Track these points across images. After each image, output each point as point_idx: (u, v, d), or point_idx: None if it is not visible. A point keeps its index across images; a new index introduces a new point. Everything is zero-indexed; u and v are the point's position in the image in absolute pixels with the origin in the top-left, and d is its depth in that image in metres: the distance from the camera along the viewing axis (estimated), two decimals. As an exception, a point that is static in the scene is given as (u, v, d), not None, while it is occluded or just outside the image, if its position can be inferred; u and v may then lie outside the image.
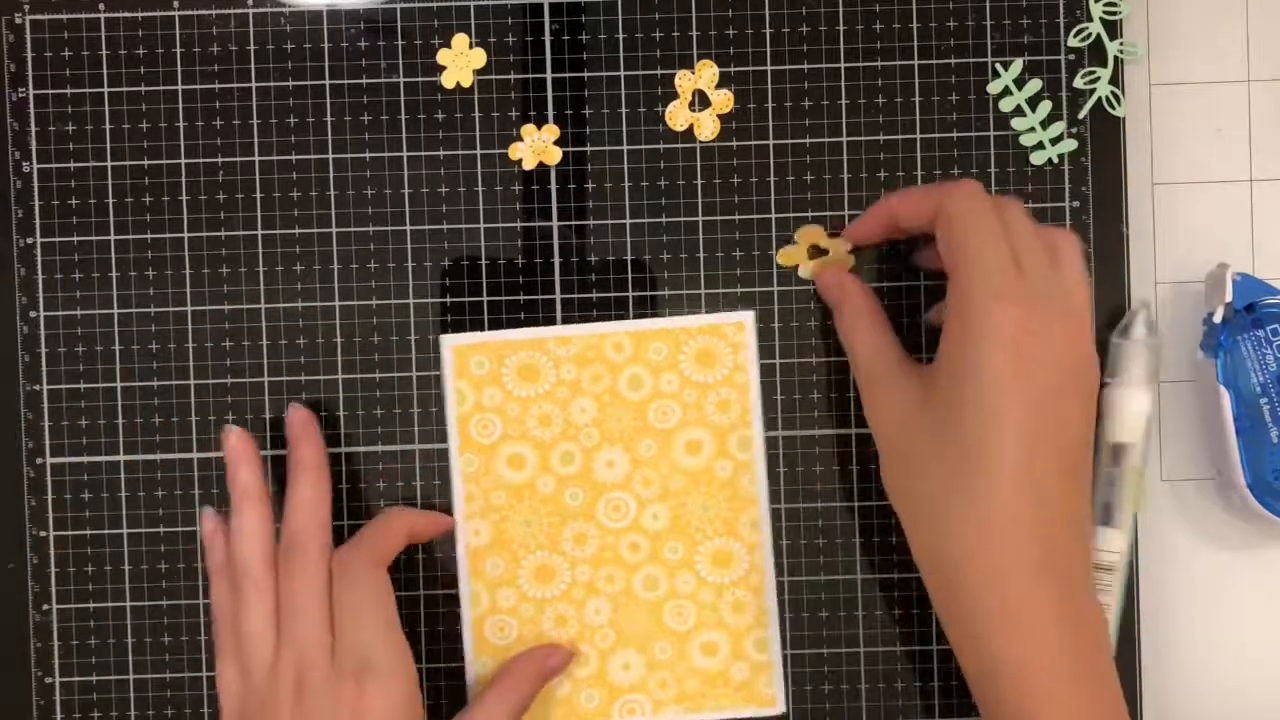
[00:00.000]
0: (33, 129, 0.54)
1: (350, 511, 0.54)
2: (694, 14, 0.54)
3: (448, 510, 0.54)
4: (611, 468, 0.54)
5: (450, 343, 0.54)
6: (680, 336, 0.54)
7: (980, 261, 0.46)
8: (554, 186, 0.54)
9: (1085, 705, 0.45)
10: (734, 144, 0.54)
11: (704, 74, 0.54)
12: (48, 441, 0.54)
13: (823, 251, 0.54)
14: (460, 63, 0.54)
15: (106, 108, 0.54)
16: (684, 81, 0.54)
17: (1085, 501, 0.47)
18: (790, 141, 0.54)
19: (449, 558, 0.54)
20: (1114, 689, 0.46)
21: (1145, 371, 0.52)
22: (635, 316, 0.54)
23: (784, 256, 0.54)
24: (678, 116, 0.54)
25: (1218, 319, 0.53)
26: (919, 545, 0.48)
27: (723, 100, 0.54)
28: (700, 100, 0.54)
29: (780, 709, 0.54)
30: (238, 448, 0.51)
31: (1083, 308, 0.47)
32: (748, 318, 0.54)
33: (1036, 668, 0.45)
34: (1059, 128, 0.54)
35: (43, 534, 0.54)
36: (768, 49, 0.54)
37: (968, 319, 0.45)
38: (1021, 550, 0.45)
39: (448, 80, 0.54)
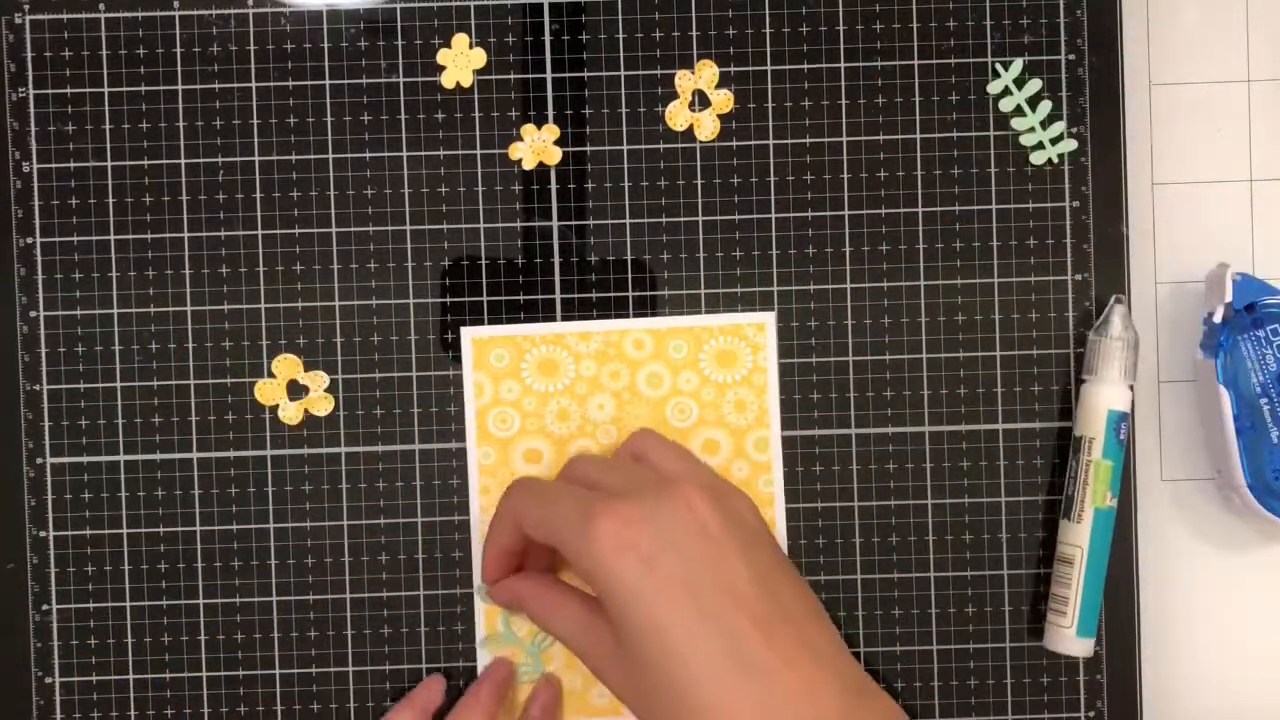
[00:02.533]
0: (33, 129, 0.54)
1: (349, 512, 0.54)
2: (694, 14, 0.54)
3: (462, 506, 0.54)
4: None
5: (470, 334, 0.54)
6: (701, 335, 0.54)
7: (557, 516, 0.45)
8: (554, 186, 0.54)
9: None
10: (734, 144, 0.54)
11: (704, 74, 0.54)
12: (48, 441, 0.54)
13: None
14: (460, 63, 0.54)
15: (106, 108, 0.54)
16: (684, 81, 0.54)
17: (809, 622, 0.45)
18: (790, 141, 0.54)
19: (465, 554, 0.54)
20: None
21: (1119, 367, 0.52)
22: (635, 316, 0.54)
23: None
24: (678, 116, 0.54)
25: (1218, 319, 0.53)
26: None
27: (723, 100, 0.54)
28: (700, 100, 0.54)
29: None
30: (428, 696, 0.52)
31: (678, 467, 0.48)
32: (769, 318, 0.54)
33: None
34: (1059, 128, 0.54)
35: (43, 534, 0.54)
36: (768, 49, 0.54)
37: (578, 561, 0.44)
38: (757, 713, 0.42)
39: (448, 80, 0.54)
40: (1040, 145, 0.54)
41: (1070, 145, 0.54)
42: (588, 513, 0.44)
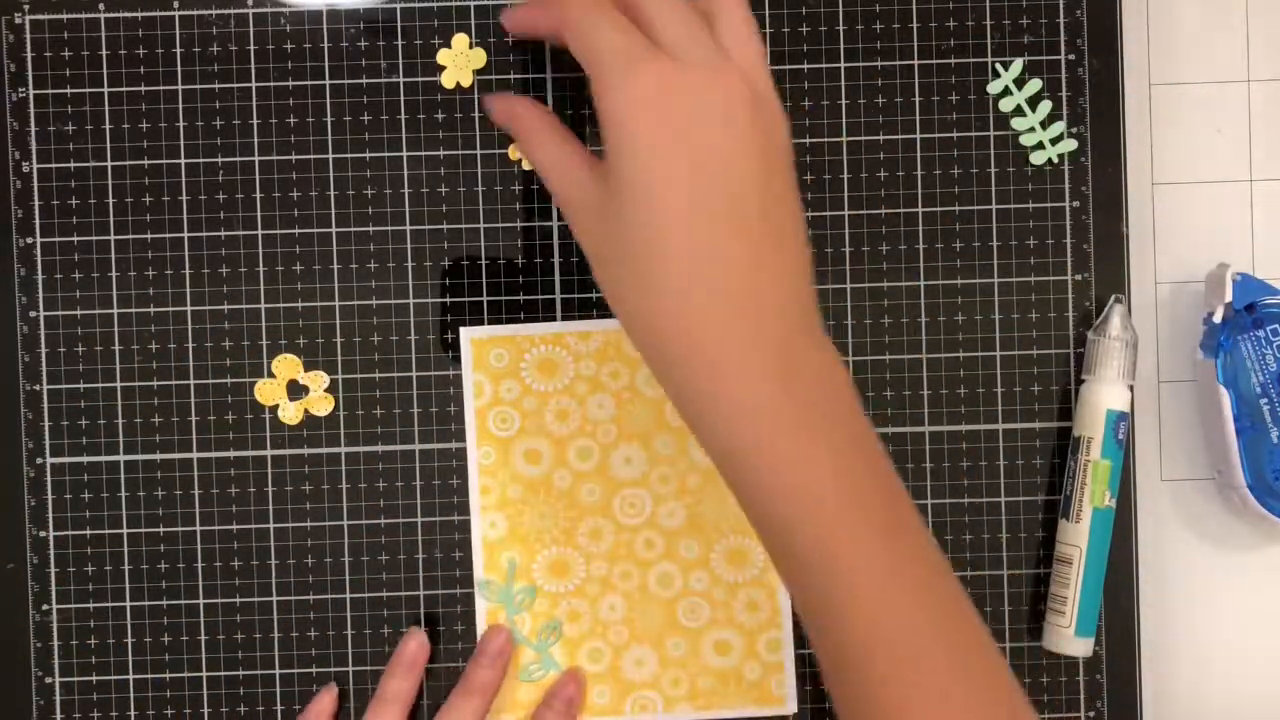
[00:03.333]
0: (33, 129, 0.54)
1: (349, 512, 0.54)
2: (694, 14, 0.54)
3: (462, 506, 0.54)
4: (629, 464, 0.54)
5: (469, 335, 0.54)
6: None
7: (601, 42, 0.43)
8: (554, 186, 0.54)
9: (826, 445, 0.42)
10: (734, 144, 0.54)
11: None
12: (48, 441, 0.54)
13: None
14: (460, 63, 0.54)
15: (106, 108, 0.54)
16: None
17: (790, 257, 0.44)
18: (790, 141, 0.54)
19: (465, 554, 0.54)
20: (859, 428, 0.43)
21: (1118, 367, 0.52)
22: (635, 316, 0.54)
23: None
24: None
25: (1218, 319, 0.53)
26: (633, 338, 0.44)
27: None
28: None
29: (791, 709, 0.54)
30: (413, 654, 0.53)
31: (741, 59, 0.44)
32: None
33: (758, 435, 0.41)
34: (1059, 128, 0.54)
35: (43, 534, 0.54)
36: (768, 49, 0.54)
37: (600, 102, 0.42)
38: (712, 319, 0.41)
39: (447, 80, 0.54)
40: (1040, 145, 0.54)
41: (1070, 145, 0.54)
42: (634, 58, 0.42)
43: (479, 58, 0.54)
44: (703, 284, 0.42)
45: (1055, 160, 0.54)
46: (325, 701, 0.53)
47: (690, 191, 0.42)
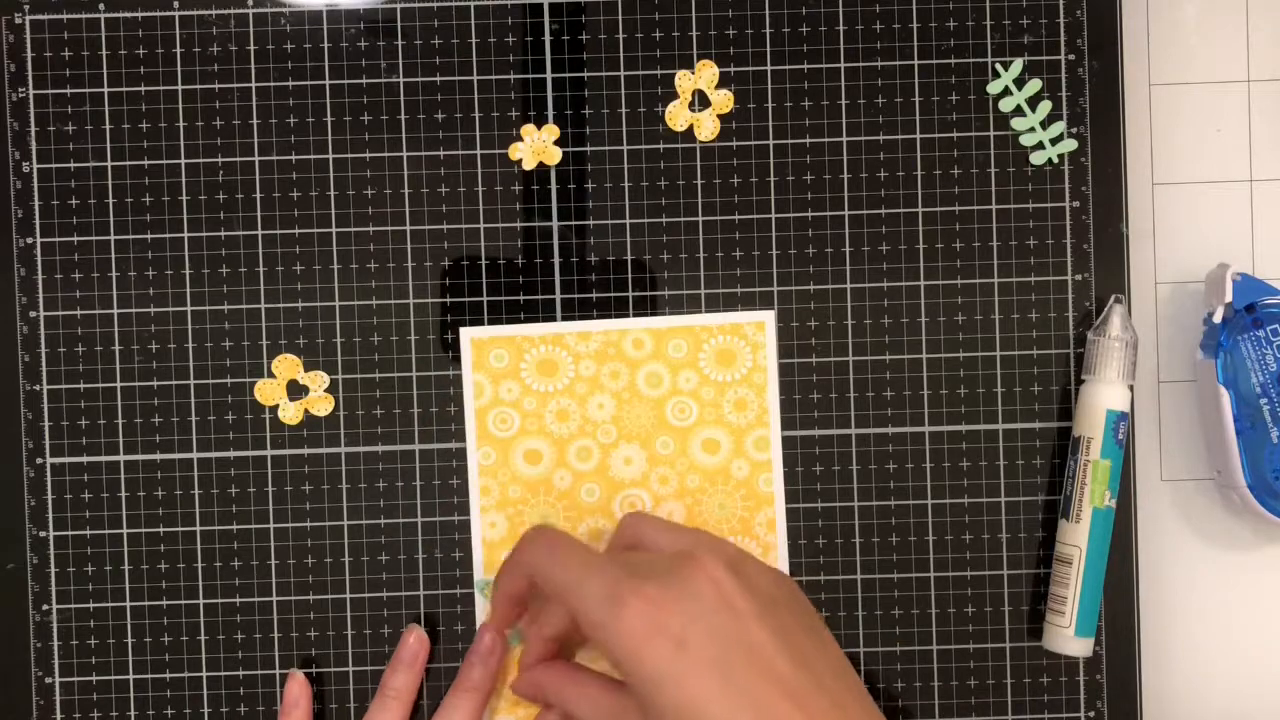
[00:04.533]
0: (33, 129, 0.54)
1: (349, 512, 0.54)
2: (694, 14, 0.54)
3: (462, 506, 0.54)
4: (629, 465, 0.54)
5: (469, 335, 0.54)
6: (700, 334, 0.54)
7: (576, 586, 0.45)
8: (554, 186, 0.54)
9: None
10: (734, 144, 0.54)
11: (704, 74, 0.54)
12: (48, 441, 0.54)
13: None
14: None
15: (106, 108, 0.54)
16: (684, 81, 0.54)
17: (829, 692, 0.44)
18: (790, 141, 0.54)
19: (465, 554, 0.54)
20: None
21: (1118, 367, 0.52)
22: (635, 316, 0.54)
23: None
24: (678, 116, 0.54)
25: (1218, 319, 0.53)
26: None
27: (723, 100, 0.54)
28: (700, 100, 0.54)
29: None
30: (414, 650, 0.53)
31: (679, 542, 0.47)
32: (768, 317, 0.54)
33: None
34: (1059, 128, 0.54)
35: (43, 534, 0.54)
36: (768, 49, 0.54)
37: (605, 645, 0.44)
38: None
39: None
40: (1040, 145, 0.54)
41: (1070, 145, 0.54)
42: (615, 594, 0.43)
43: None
44: None
45: (1055, 160, 0.54)
46: (293, 689, 0.53)
47: (727, 680, 0.42)
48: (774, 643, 0.43)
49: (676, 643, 0.43)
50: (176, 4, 0.54)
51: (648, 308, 0.54)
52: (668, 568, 0.44)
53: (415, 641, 0.53)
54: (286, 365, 0.54)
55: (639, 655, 0.43)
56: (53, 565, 0.54)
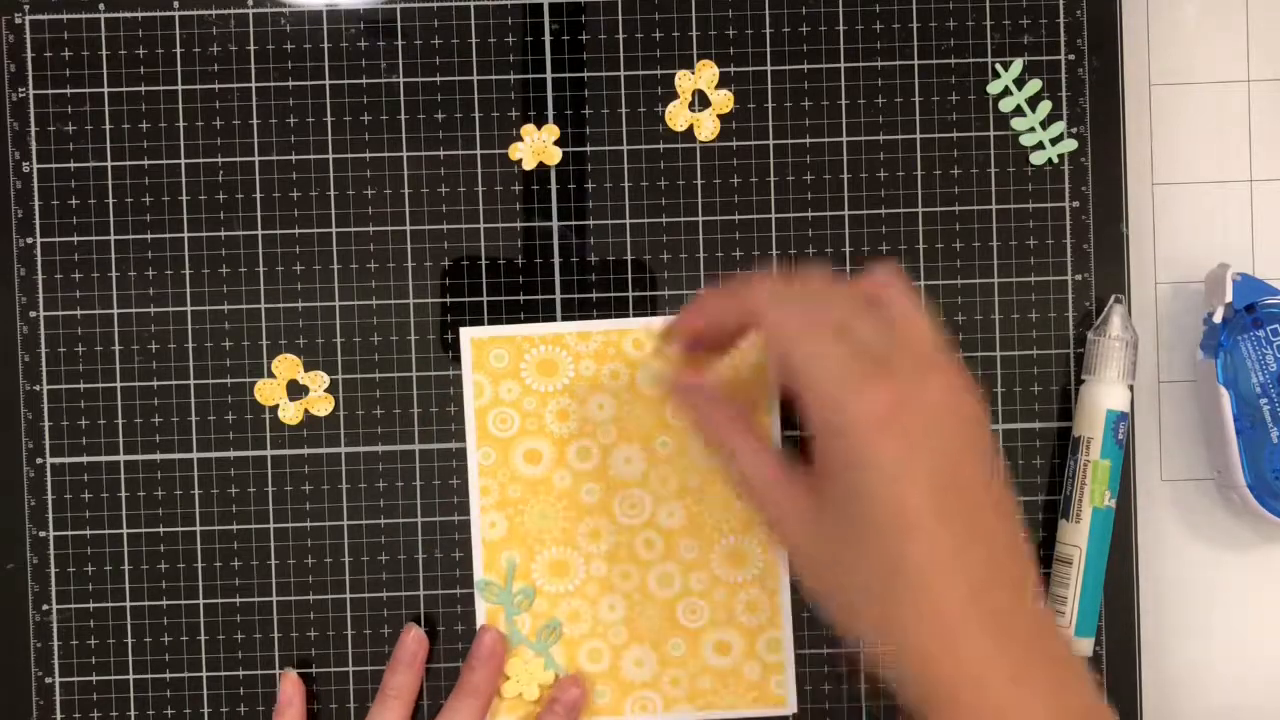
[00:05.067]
0: (33, 129, 0.54)
1: (349, 512, 0.54)
2: (694, 14, 0.54)
3: (462, 506, 0.54)
4: (629, 464, 0.54)
5: (469, 335, 0.54)
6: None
7: (816, 368, 0.43)
8: (554, 186, 0.54)
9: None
10: (734, 144, 0.54)
11: (704, 74, 0.54)
12: (48, 441, 0.54)
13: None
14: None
15: (106, 108, 0.54)
16: (684, 81, 0.54)
17: (1018, 558, 0.44)
18: (790, 141, 0.54)
19: (465, 554, 0.54)
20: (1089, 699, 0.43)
21: (1118, 367, 0.52)
22: (635, 316, 0.54)
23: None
24: (678, 116, 0.54)
25: (1218, 319, 0.53)
26: (858, 629, 0.45)
27: (723, 100, 0.54)
28: (700, 100, 0.54)
29: (791, 709, 0.54)
30: (412, 649, 0.53)
31: (928, 343, 0.44)
32: None
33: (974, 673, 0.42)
34: (1059, 128, 0.54)
35: (43, 534, 0.54)
36: (768, 49, 0.54)
37: (829, 423, 0.43)
38: (968, 639, 0.42)
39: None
40: (1040, 145, 0.54)
41: (1070, 145, 0.54)
42: (862, 377, 0.42)
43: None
44: (963, 603, 0.42)
45: (1055, 160, 0.54)
46: (287, 688, 0.53)
47: (937, 498, 0.42)
48: (987, 476, 0.43)
49: (908, 444, 0.42)
50: (176, 4, 0.54)
51: (648, 308, 0.54)
52: (913, 363, 0.43)
53: (413, 641, 0.53)
54: (286, 365, 0.54)
55: (869, 443, 0.42)
56: (53, 565, 0.54)
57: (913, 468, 0.42)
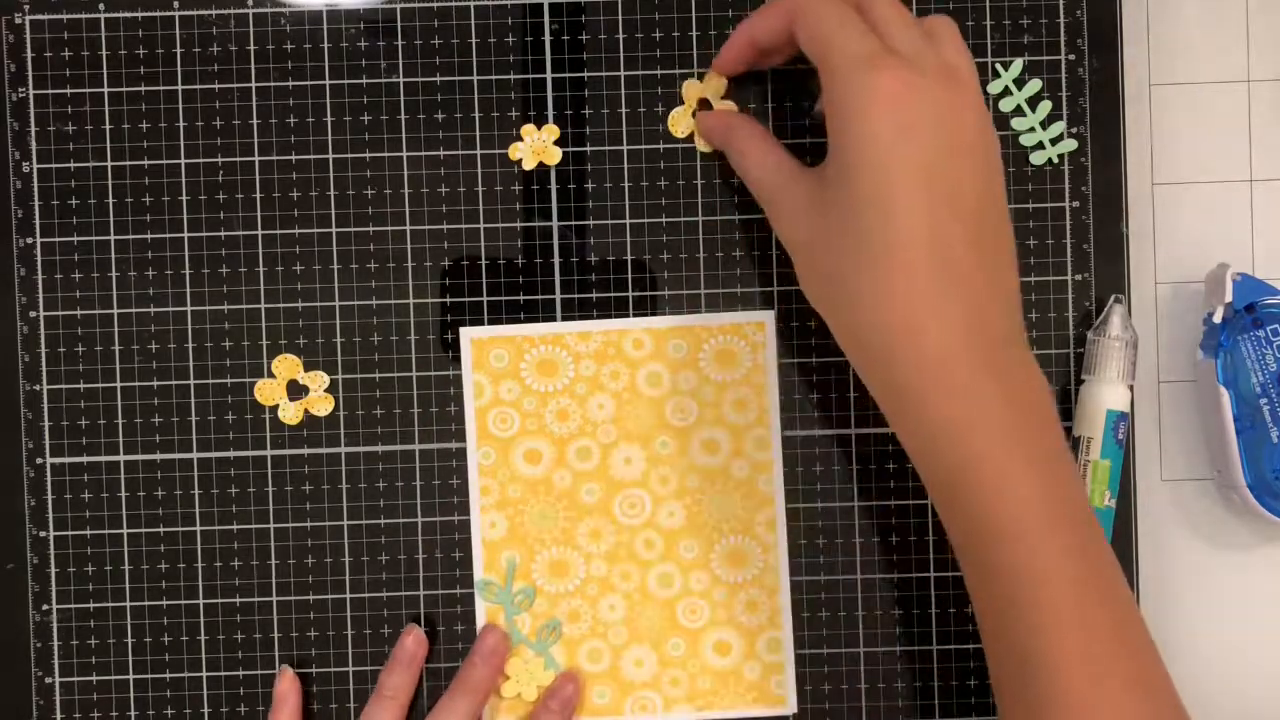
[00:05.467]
0: (33, 129, 0.54)
1: (349, 512, 0.54)
2: (694, 14, 0.54)
3: (462, 506, 0.54)
4: (629, 464, 0.54)
5: (469, 335, 0.54)
6: (701, 335, 0.54)
7: (841, 40, 0.45)
8: (554, 186, 0.54)
9: (1027, 458, 0.44)
10: (734, 144, 0.54)
11: (711, 83, 0.54)
12: (48, 441, 0.54)
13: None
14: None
15: (106, 108, 0.54)
16: (691, 90, 0.54)
17: (1005, 272, 0.46)
18: (790, 142, 0.54)
19: (465, 554, 0.54)
20: (1056, 442, 0.45)
21: (1118, 367, 0.52)
22: (635, 316, 0.54)
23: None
24: (680, 122, 0.54)
25: (1218, 319, 0.53)
26: (840, 328, 0.47)
27: (726, 109, 0.54)
28: (704, 108, 0.54)
29: (791, 709, 0.54)
30: (411, 650, 0.53)
31: (967, 77, 0.46)
32: (768, 317, 0.54)
33: (969, 424, 0.44)
34: (1059, 128, 0.54)
35: (43, 534, 0.54)
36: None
37: (843, 97, 0.45)
38: (938, 309, 0.44)
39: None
40: (1040, 145, 0.54)
41: (1070, 145, 0.54)
42: (875, 59, 0.45)
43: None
44: (931, 272, 0.44)
45: (1055, 160, 0.54)
46: (283, 685, 0.53)
47: (926, 185, 0.44)
48: (978, 195, 0.45)
49: (905, 129, 0.44)
50: (176, 4, 0.54)
51: (648, 308, 0.54)
52: (935, 68, 0.45)
53: (413, 642, 0.53)
54: (286, 365, 0.54)
55: (869, 120, 0.44)
56: (53, 565, 0.54)
57: (904, 150, 0.44)
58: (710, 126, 0.52)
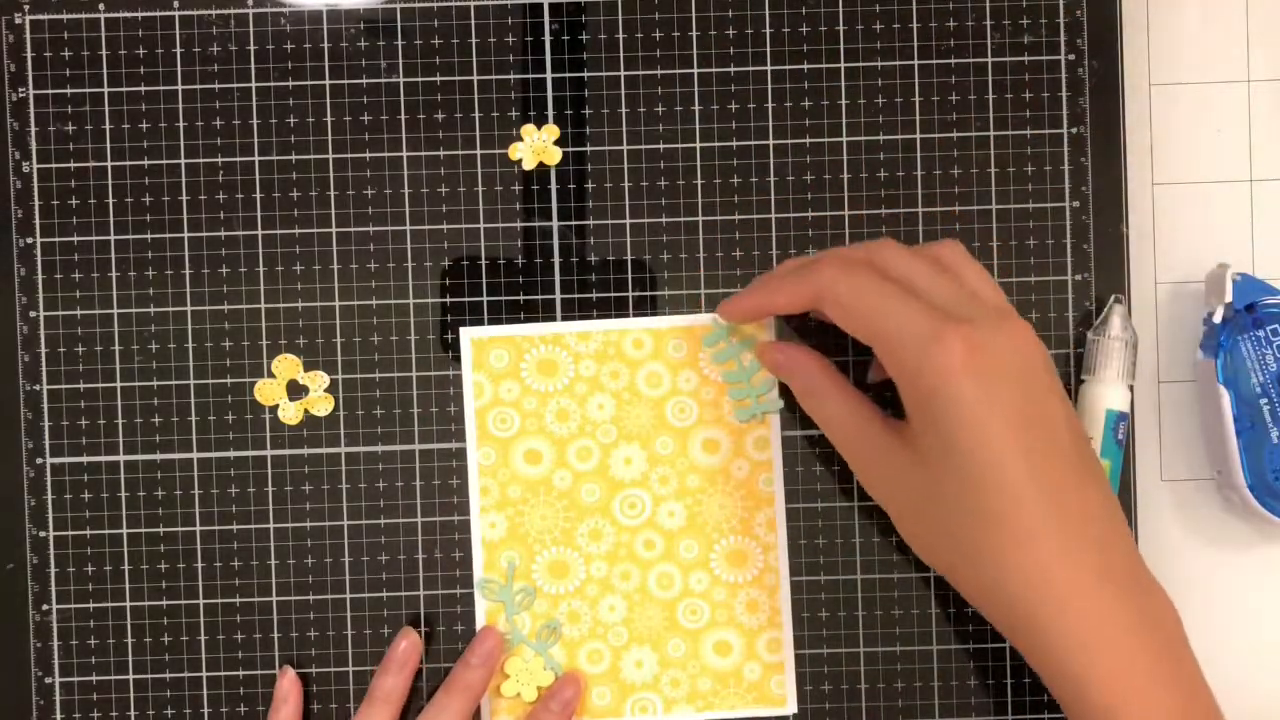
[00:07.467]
0: (33, 129, 0.54)
1: (349, 512, 0.54)
2: (694, 14, 0.54)
3: (462, 506, 0.54)
4: (629, 465, 0.54)
5: (469, 335, 0.54)
6: (701, 335, 0.54)
7: (895, 325, 0.46)
8: (554, 186, 0.54)
9: (1168, 693, 0.45)
10: (734, 144, 0.54)
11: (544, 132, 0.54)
12: (48, 441, 0.54)
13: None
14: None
15: (106, 108, 0.54)
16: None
17: (1102, 487, 0.47)
18: (790, 141, 0.54)
19: (465, 554, 0.54)
20: (1193, 672, 0.47)
21: (1118, 367, 0.52)
22: (635, 316, 0.54)
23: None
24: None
25: (1218, 319, 0.53)
26: (969, 591, 0.48)
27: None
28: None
29: (792, 710, 0.54)
30: (404, 653, 0.53)
31: (999, 300, 0.48)
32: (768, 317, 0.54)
33: (1113, 672, 0.45)
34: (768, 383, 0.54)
35: (43, 534, 0.54)
36: (768, 49, 0.54)
37: (916, 374, 0.46)
38: (1064, 556, 0.45)
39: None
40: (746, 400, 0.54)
41: (777, 405, 0.54)
42: (938, 329, 0.45)
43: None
44: (1048, 525, 0.45)
45: (759, 416, 0.54)
46: (283, 684, 0.53)
47: (1019, 440, 0.45)
48: (1064, 417, 0.47)
49: (986, 387, 0.45)
50: (176, 4, 0.54)
51: (648, 308, 0.54)
52: (983, 315, 0.46)
53: (408, 645, 0.53)
54: (286, 365, 0.54)
55: (952, 387, 0.45)
56: (53, 565, 0.54)
57: (992, 407, 0.45)
58: (777, 363, 0.52)
